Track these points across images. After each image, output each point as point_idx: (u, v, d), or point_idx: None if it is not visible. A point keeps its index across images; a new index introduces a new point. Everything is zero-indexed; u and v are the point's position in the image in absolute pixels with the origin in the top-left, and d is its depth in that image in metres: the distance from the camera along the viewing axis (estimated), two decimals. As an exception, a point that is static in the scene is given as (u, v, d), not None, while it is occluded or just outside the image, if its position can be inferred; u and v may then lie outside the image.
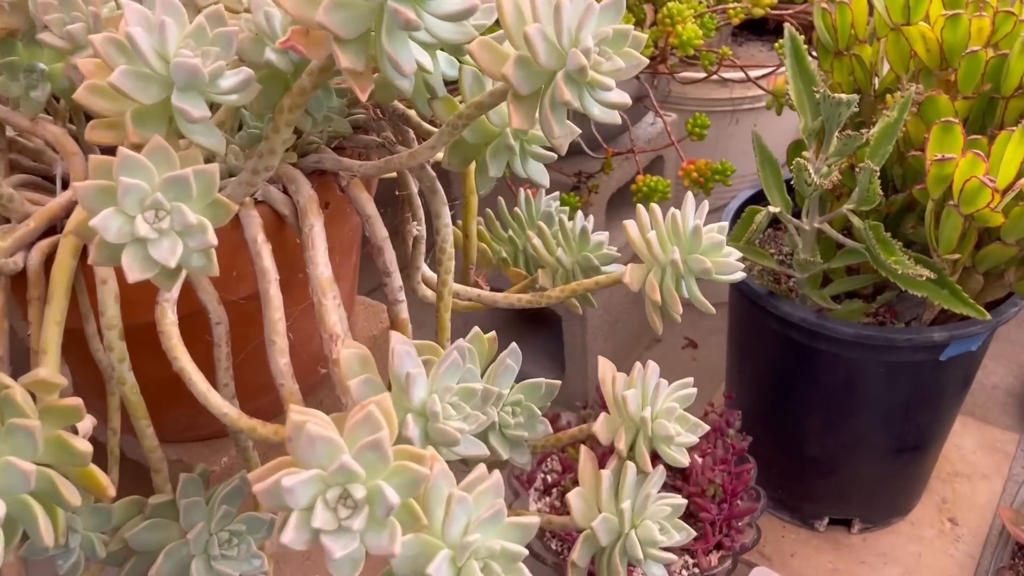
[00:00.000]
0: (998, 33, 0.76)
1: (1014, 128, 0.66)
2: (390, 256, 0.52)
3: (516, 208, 0.69)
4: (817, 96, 0.72)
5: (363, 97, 0.38)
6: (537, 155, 0.50)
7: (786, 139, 1.25)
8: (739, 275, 0.55)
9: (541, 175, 0.51)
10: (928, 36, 0.76)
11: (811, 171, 0.71)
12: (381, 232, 0.51)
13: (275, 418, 0.45)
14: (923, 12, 0.75)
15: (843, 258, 0.81)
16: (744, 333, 0.95)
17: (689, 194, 0.56)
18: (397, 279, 0.53)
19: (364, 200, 0.51)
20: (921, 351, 0.81)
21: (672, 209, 0.55)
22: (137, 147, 0.37)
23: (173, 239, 0.36)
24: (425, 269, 0.61)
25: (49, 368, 0.43)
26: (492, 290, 0.64)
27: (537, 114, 0.40)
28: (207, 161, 0.38)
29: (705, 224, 0.54)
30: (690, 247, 0.54)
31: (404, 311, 0.54)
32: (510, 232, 0.70)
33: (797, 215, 0.82)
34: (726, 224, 0.55)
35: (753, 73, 1.10)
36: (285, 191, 0.50)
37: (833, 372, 0.85)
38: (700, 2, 0.92)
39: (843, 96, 0.70)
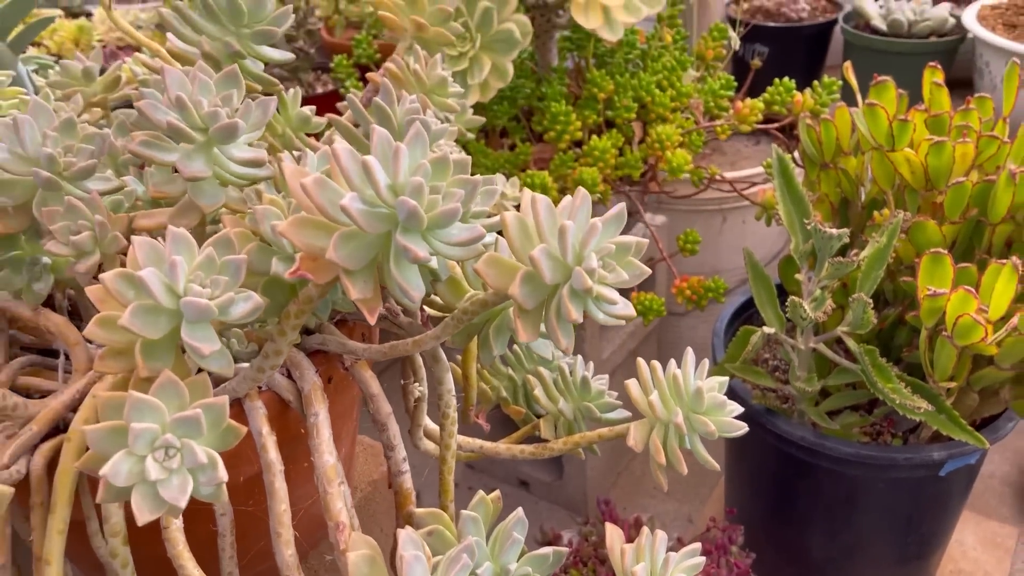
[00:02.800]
0: (982, 156, 0.78)
1: (1004, 261, 0.67)
2: (394, 431, 0.52)
3: (515, 345, 0.69)
4: (809, 228, 0.73)
5: (372, 321, 0.38)
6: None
7: (772, 237, 1.27)
8: (743, 431, 0.55)
9: (544, 348, 0.51)
10: (913, 160, 0.78)
11: (806, 308, 0.71)
12: (385, 409, 0.51)
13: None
14: (907, 139, 0.77)
15: (838, 376, 0.81)
16: (743, 446, 0.95)
17: (689, 351, 0.56)
18: (401, 451, 0.53)
19: (368, 379, 0.51)
20: (921, 468, 0.81)
21: (673, 367, 0.55)
22: (147, 379, 0.37)
23: (183, 477, 0.36)
24: (427, 422, 0.61)
25: (53, 580, 0.42)
26: (491, 428, 0.64)
27: (543, 324, 0.40)
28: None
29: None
30: (693, 407, 0.55)
31: (408, 481, 0.53)
32: (509, 369, 0.70)
33: (790, 329, 0.82)
34: (726, 380, 0.56)
35: (740, 172, 1.12)
36: (289, 375, 0.50)
37: (834, 487, 0.85)
38: (687, 118, 0.94)
39: (834, 231, 0.71)
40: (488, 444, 0.62)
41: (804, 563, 0.94)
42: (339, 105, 0.69)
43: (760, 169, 1.11)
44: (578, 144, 0.88)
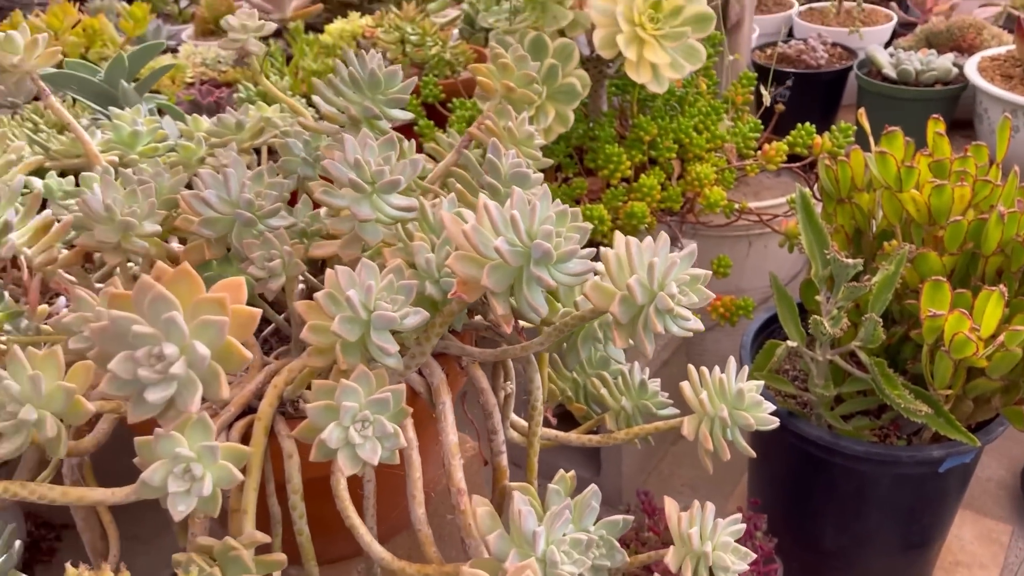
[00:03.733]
0: (978, 197, 0.91)
1: (994, 288, 0.80)
2: (498, 418, 0.65)
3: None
4: (828, 257, 0.86)
5: (507, 331, 0.51)
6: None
7: (790, 260, 1.40)
8: (775, 424, 0.68)
9: (619, 354, 0.64)
10: (918, 200, 0.91)
11: (826, 325, 0.84)
12: (492, 401, 0.64)
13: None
14: (913, 182, 0.90)
15: (851, 384, 0.94)
16: (766, 444, 1.08)
17: (732, 360, 0.69)
18: (502, 436, 0.66)
19: (480, 377, 0.64)
20: (923, 465, 0.93)
21: (718, 372, 0.68)
22: (344, 372, 0.50)
23: (374, 443, 0.49)
24: (514, 417, 0.74)
25: (249, 526, 0.55)
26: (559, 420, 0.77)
27: (631, 335, 0.53)
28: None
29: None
30: (735, 404, 0.67)
31: (504, 460, 0.66)
32: (574, 373, 0.83)
33: (809, 342, 0.95)
34: (761, 384, 0.68)
35: (763, 202, 1.25)
36: (420, 372, 0.63)
37: (846, 482, 0.98)
38: (720, 157, 1.07)
39: (850, 261, 0.84)
40: (562, 433, 0.75)
41: (818, 550, 1.06)
42: (437, 137, 0.82)
43: (781, 200, 1.24)
44: (626, 179, 1.01)
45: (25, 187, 0.69)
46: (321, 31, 1.49)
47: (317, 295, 0.50)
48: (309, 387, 0.59)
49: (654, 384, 0.76)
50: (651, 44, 0.94)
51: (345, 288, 0.49)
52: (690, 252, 0.53)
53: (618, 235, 0.54)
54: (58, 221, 0.62)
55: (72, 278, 0.65)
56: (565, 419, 0.83)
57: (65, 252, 0.60)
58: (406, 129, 1.27)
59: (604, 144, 1.00)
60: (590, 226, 0.51)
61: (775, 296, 0.98)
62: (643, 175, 0.99)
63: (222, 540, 0.52)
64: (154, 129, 0.80)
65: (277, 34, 1.60)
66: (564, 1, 0.95)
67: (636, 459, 1.34)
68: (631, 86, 1.11)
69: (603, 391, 0.76)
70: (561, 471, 0.63)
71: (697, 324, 0.53)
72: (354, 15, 1.46)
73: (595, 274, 0.53)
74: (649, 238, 0.54)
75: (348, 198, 0.56)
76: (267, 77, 1.25)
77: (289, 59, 1.33)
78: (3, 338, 0.58)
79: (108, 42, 1.40)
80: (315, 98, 0.69)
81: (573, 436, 0.75)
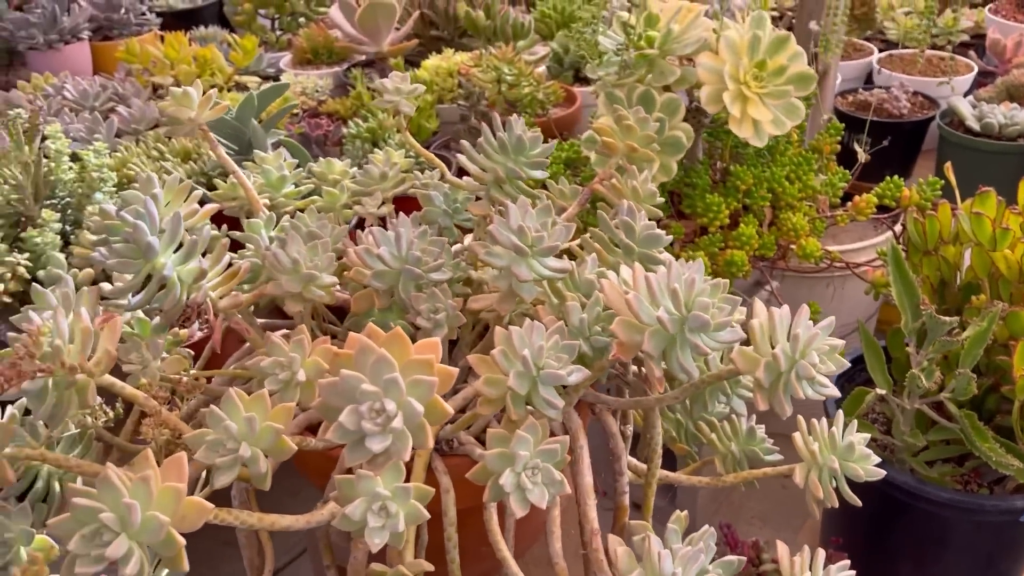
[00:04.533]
0: (1068, 257, 0.94)
1: (1086, 350, 0.84)
2: (625, 462, 0.70)
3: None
4: (923, 314, 0.90)
5: (660, 390, 0.56)
6: (741, 395, 0.69)
7: (866, 301, 1.43)
8: (880, 476, 0.72)
9: (741, 406, 0.69)
10: (1010, 258, 0.94)
11: (923, 379, 0.88)
12: (621, 446, 0.70)
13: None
14: (1008, 243, 0.94)
15: (937, 433, 0.98)
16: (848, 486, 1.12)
17: (840, 413, 0.74)
18: (627, 477, 0.71)
19: (611, 423, 0.70)
20: (1005, 513, 0.97)
21: (825, 423, 0.73)
22: (514, 421, 0.56)
23: (542, 489, 0.54)
24: (630, 459, 0.79)
25: (410, 555, 0.61)
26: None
27: (771, 396, 0.58)
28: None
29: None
30: (844, 456, 0.72)
31: (627, 500, 0.72)
32: (676, 414, 0.88)
33: (896, 390, 0.99)
34: (867, 436, 0.73)
35: (842, 246, 1.29)
36: (557, 417, 0.68)
37: (928, 526, 1.01)
38: (810, 206, 1.12)
39: (946, 319, 0.88)
40: (672, 474, 0.80)
41: (895, 590, 1.10)
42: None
43: (858, 244, 1.28)
44: (721, 225, 1.06)
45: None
46: (417, 65, 1.56)
47: (494, 352, 0.55)
48: (465, 428, 0.65)
49: (760, 430, 0.80)
50: (754, 101, 0.99)
51: (518, 348, 0.55)
52: (828, 324, 0.58)
53: (759, 303, 0.59)
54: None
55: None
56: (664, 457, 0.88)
57: (243, 295, 0.67)
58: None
59: (702, 192, 1.05)
60: (739, 299, 0.56)
61: (863, 344, 1.02)
62: (740, 222, 1.04)
63: (395, 568, 0.57)
64: (296, 173, 0.87)
65: (370, 64, 1.68)
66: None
67: (709, 489, 1.38)
68: (724, 134, 1.16)
69: (712, 436, 0.81)
70: (677, 512, 0.68)
71: (834, 391, 0.58)
72: (448, 51, 1.53)
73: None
74: (787, 307, 0.59)
75: (509, 259, 0.62)
76: (370, 111, 1.32)
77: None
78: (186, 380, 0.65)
79: (217, 71, 1.48)
80: (460, 157, 0.75)
81: (683, 477, 0.80)
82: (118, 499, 0.46)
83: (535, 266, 0.62)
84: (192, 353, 0.76)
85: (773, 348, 0.57)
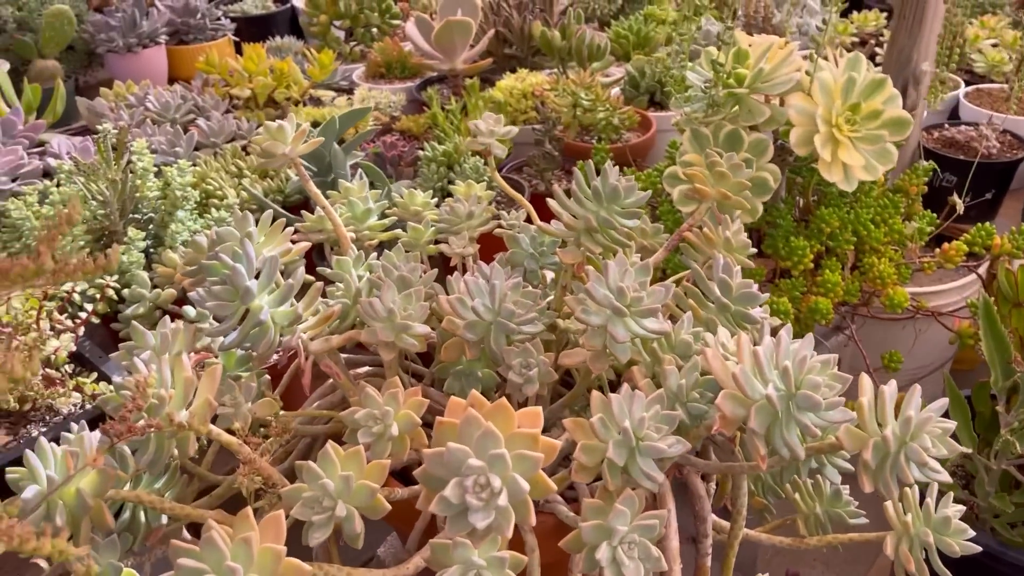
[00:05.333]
0: None
1: None
2: (710, 523, 0.69)
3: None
4: (1016, 373, 0.87)
5: (763, 467, 0.55)
6: (839, 467, 0.67)
7: (942, 344, 1.39)
8: (976, 551, 0.69)
9: (835, 475, 0.67)
10: (1112, 320, 0.90)
11: (1017, 444, 0.85)
12: (707, 508, 0.68)
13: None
14: (1109, 303, 0.90)
15: (1021, 495, 0.94)
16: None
17: (935, 484, 0.71)
18: (710, 540, 0.69)
19: (699, 485, 0.68)
20: (1093, 582, 0.93)
21: (924, 497, 0.70)
22: (610, 491, 0.55)
23: (638, 564, 0.53)
24: (713, 517, 0.78)
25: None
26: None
27: (878, 478, 0.56)
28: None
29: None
30: (939, 529, 0.69)
31: (709, 561, 0.70)
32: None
33: (981, 448, 0.95)
34: (962, 508, 0.70)
35: (920, 288, 1.25)
36: (644, 476, 0.67)
37: (1009, 591, 0.98)
38: (896, 250, 1.08)
39: (1044, 382, 0.84)
40: (753, 532, 0.78)
41: (968, 651, 1.06)
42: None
43: (938, 287, 1.24)
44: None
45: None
46: (490, 83, 1.55)
47: (593, 419, 0.54)
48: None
49: (845, 491, 0.78)
50: (846, 145, 0.96)
51: (618, 417, 0.54)
52: (941, 406, 0.55)
53: (866, 380, 0.57)
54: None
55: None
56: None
57: (334, 338, 0.66)
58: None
59: (786, 233, 1.03)
60: (850, 377, 0.54)
61: (950, 401, 0.99)
62: (823, 265, 1.01)
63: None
64: (381, 205, 0.87)
65: (442, 80, 1.68)
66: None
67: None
68: (807, 171, 1.13)
69: (795, 495, 0.79)
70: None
71: (945, 477, 0.55)
72: (522, 71, 1.52)
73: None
74: (894, 383, 0.57)
75: (605, 318, 0.61)
76: (445, 132, 1.32)
77: (464, 109, 1.39)
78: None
79: (293, 84, 1.49)
80: (552, 204, 0.74)
81: (764, 536, 0.78)
82: (221, 561, 0.46)
83: (632, 326, 0.61)
84: (269, 378, 0.76)
85: (881, 427, 0.55)
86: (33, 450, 0.53)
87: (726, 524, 0.75)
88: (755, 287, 0.70)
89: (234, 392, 0.61)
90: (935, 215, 1.13)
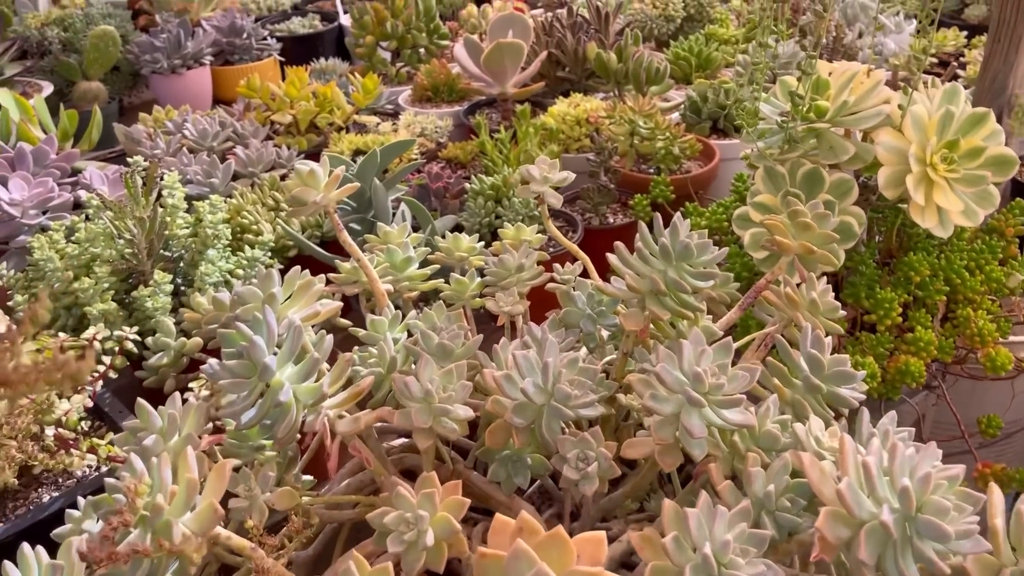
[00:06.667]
0: None
1: None
2: None
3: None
4: None
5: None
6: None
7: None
8: None
9: None
10: None
11: None
12: None
13: None
14: None
15: None
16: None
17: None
18: None
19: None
20: None
21: None
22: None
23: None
24: None
25: None
26: None
27: None
28: None
29: None
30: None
31: None
32: None
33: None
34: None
35: (1018, 338, 1.13)
36: None
37: None
38: (993, 301, 0.97)
39: None
40: None
41: None
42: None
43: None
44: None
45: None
46: (541, 107, 1.47)
47: (667, 540, 0.45)
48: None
49: None
50: (942, 187, 0.86)
51: (696, 538, 0.45)
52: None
53: (996, 493, 0.47)
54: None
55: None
56: None
57: (363, 417, 0.58)
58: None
59: (869, 282, 0.93)
60: (983, 497, 0.44)
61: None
62: (914, 320, 0.90)
63: None
64: (423, 252, 0.79)
65: (490, 104, 1.60)
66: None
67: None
68: (891, 211, 1.03)
69: None
70: None
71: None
72: (575, 96, 1.44)
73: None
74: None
75: (678, 406, 0.52)
76: (493, 162, 1.24)
77: (514, 137, 1.31)
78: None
79: (336, 109, 1.43)
80: (613, 260, 0.65)
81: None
82: None
83: (711, 417, 0.52)
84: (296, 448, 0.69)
85: (1017, 554, 0.45)
86: (16, 563, 0.46)
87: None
88: (849, 364, 0.61)
89: (249, 482, 0.54)
90: (1035, 260, 1.02)
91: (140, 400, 0.55)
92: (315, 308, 0.62)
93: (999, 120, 1.18)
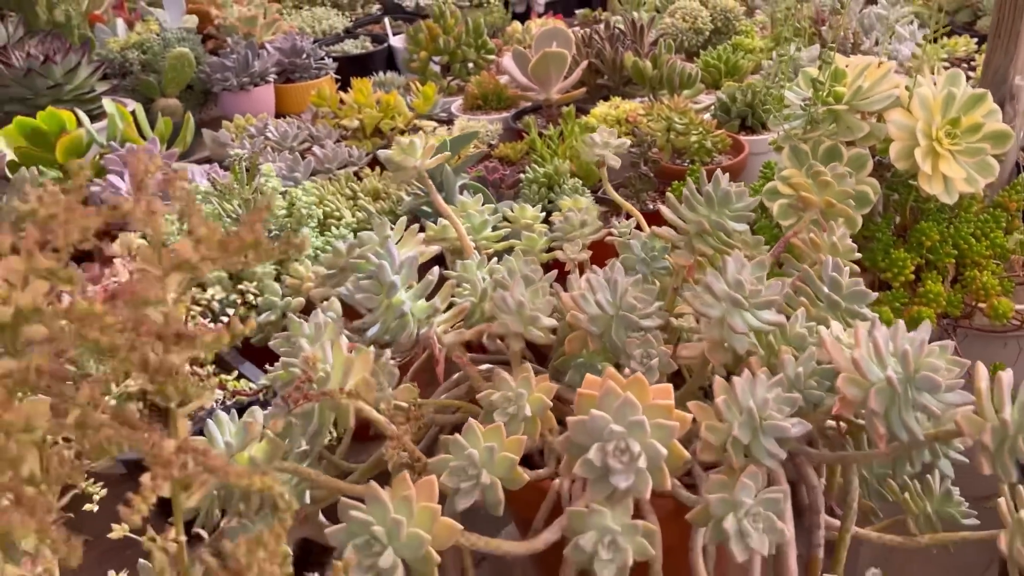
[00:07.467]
0: None
1: None
2: (823, 515, 0.71)
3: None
4: None
5: (884, 448, 0.57)
6: (953, 459, 0.68)
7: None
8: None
9: (948, 468, 0.69)
10: None
11: None
12: (820, 499, 0.70)
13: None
14: None
15: None
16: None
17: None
18: (823, 531, 0.71)
19: (811, 475, 0.70)
20: None
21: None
22: (734, 469, 0.58)
23: (762, 536, 0.56)
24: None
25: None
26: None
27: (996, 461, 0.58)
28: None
29: None
30: (1054, 527, 0.70)
31: (821, 552, 0.72)
32: (863, 470, 0.87)
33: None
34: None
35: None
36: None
37: None
38: (998, 264, 1.09)
39: None
40: (862, 530, 0.80)
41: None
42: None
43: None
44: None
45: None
46: (583, 112, 1.61)
47: (717, 401, 0.58)
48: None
49: (956, 491, 0.79)
50: (947, 158, 0.98)
51: (742, 399, 0.57)
52: (1058, 391, 0.57)
53: (981, 368, 0.59)
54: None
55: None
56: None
57: (466, 331, 0.72)
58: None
59: (885, 246, 1.05)
60: (968, 362, 0.57)
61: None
62: (926, 279, 1.02)
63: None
64: (496, 217, 0.93)
65: (536, 110, 1.75)
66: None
67: (869, 549, 1.34)
68: (904, 187, 1.15)
69: (904, 495, 0.80)
70: (872, 568, 0.68)
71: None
72: (615, 99, 1.58)
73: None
74: (1011, 371, 0.59)
75: (723, 310, 0.65)
76: (543, 156, 1.38)
77: (560, 135, 1.45)
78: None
79: (398, 115, 1.58)
80: (663, 209, 0.78)
81: (874, 535, 0.80)
82: (386, 515, 0.51)
83: (750, 318, 0.65)
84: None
85: (998, 412, 0.57)
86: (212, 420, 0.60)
87: (833, 522, 0.77)
88: (863, 284, 0.73)
89: (379, 376, 0.67)
90: (1037, 230, 1.13)
91: (291, 315, 0.69)
92: (421, 248, 0.75)
93: (1002, 107, 1.30)
